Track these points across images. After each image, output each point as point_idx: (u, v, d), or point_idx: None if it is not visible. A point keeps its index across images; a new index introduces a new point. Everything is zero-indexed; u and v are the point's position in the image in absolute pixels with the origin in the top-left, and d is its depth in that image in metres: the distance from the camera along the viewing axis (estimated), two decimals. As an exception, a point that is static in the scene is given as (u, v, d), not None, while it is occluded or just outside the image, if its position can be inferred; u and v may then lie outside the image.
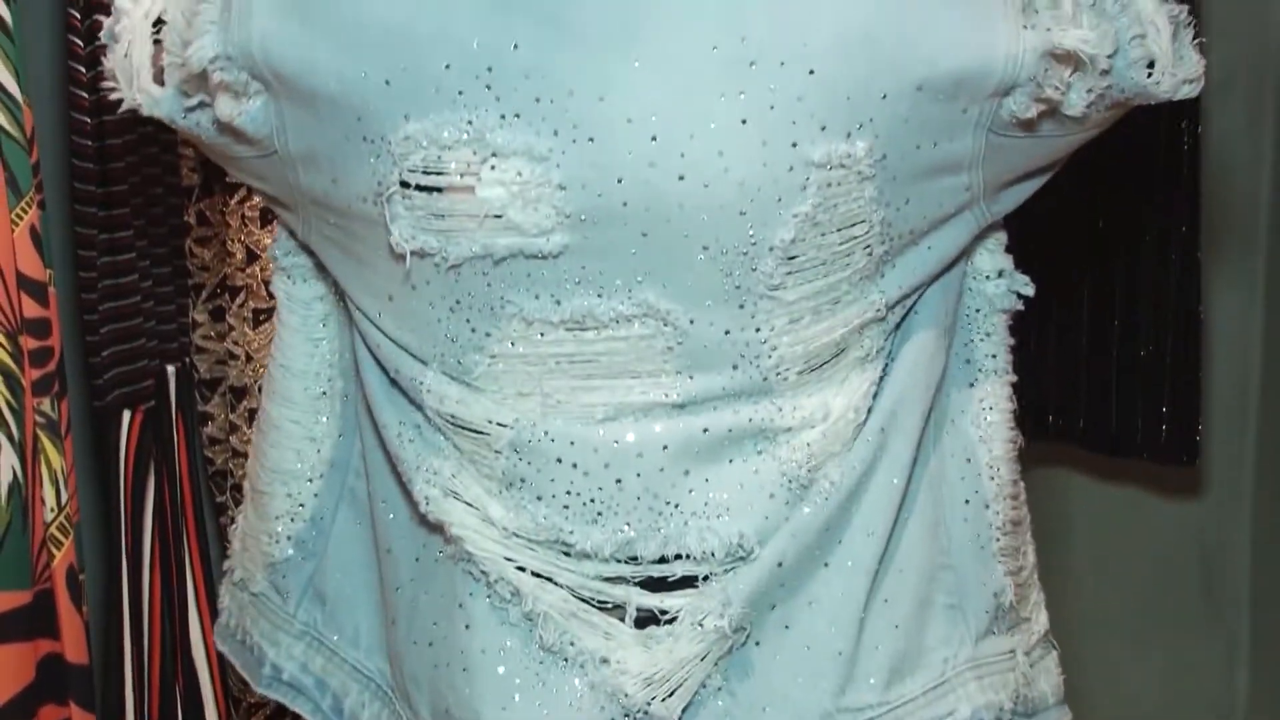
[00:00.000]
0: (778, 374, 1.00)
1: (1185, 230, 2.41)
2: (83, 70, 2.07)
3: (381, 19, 0.93)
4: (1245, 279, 2.64)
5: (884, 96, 0.94)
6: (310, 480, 1.16)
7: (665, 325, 0.97)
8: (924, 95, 0.95)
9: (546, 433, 0.99)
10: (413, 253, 0.96)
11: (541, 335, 0.98)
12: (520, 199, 0.93)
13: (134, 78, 1.04)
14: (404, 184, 0.95)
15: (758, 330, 0.98)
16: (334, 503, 1.16)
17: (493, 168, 0.93)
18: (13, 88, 1.74)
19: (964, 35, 0.95)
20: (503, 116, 0.92)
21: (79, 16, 2.06)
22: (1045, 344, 2.52)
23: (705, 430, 1.00)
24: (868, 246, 0.98)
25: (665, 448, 0.99)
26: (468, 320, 0.99)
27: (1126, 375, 2.51)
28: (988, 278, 1.14)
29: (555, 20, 0.92)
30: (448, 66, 0.92)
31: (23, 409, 1.69)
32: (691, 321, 0.97)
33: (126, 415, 2.12)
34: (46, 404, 1.74)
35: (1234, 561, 2.79)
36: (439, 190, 0.94)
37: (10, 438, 1.66)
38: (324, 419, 1.15)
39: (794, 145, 0.93)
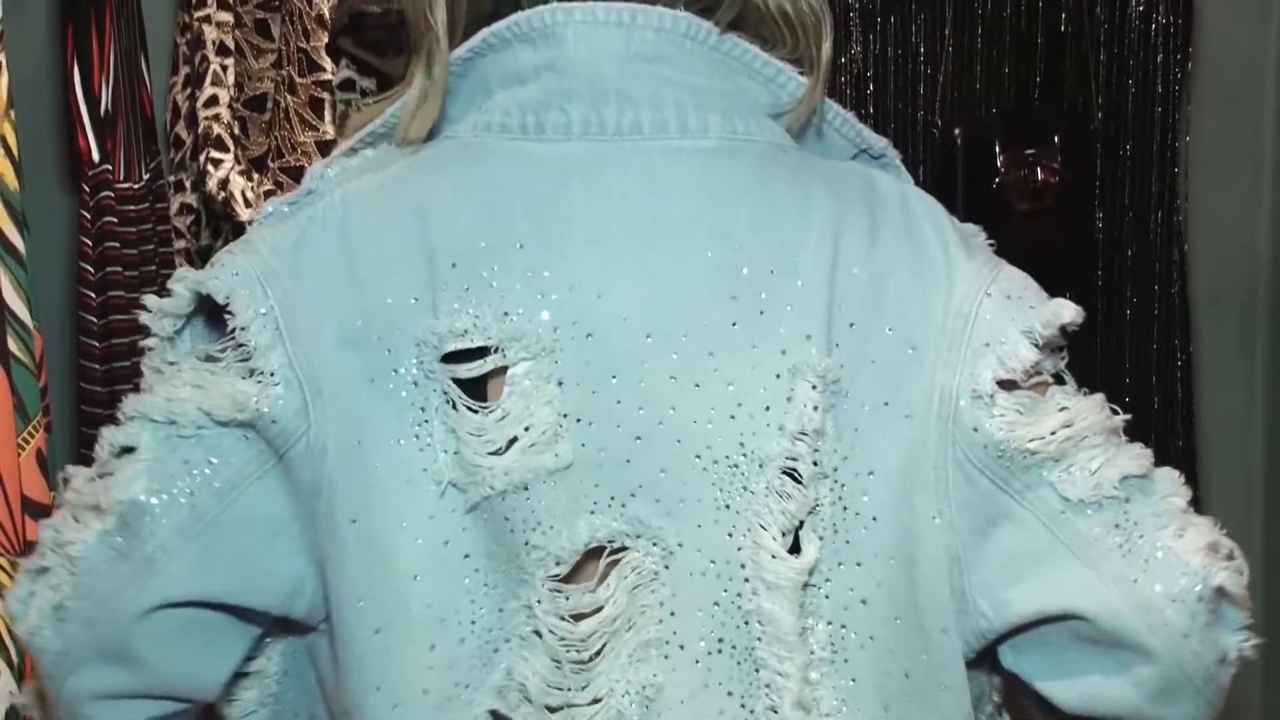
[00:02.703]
0: (759, 623, 0.96)
1: (1181, 445, 2.43)
2: (92, 296, 2.10)
3: (396, 229, 0.95)
4: (1241, 497, 2.65)
5: (852, 326, 0.95)
6: None
7: (655, 546, 0.95)
8: (892, 342, 0.95)
9: None
10: (450, 483, 0.94)
11: (565, 599, 0.95)
12: (527, 403, 0.93)
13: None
14: (446, 400, 0.93)
15: (743, 566, 0.95)
16: None
17: (502, 367, 0.93)
18: (23, 314, 1.77)
19: (920, 292, 0.97)
20: (506, 313, 0.93)
21: (90, 245, 2.11)
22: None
23: None
24: (819, 501, 0.96)
25: None
26: (502, 568, 0.96)
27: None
28: None
29: (556, 221, 0.94)
30: (454, 265, 0.93)
31: (22, 633, 1.68)
32: (680, 545, 0.95)
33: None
34: (46, 628, 1.73)
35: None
36: (460, 401, 0.93)
37: (9, 663, 1.65)
38: None
39: (783, 353, 0.94)
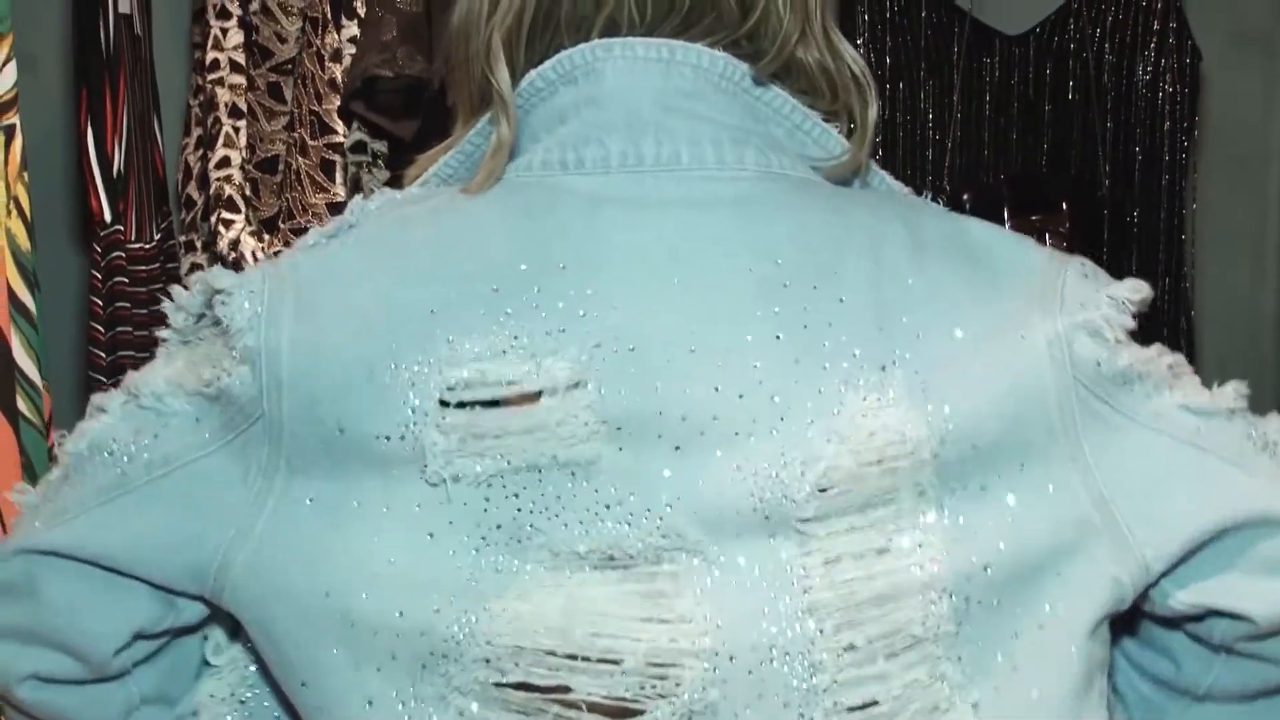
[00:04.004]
0: (814, 621, 0.94)
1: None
2: (102, 355, 2.11)
3: (430, 251, 0.97)
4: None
5: (920, 335, 0.95)
6: None
7: (695, 561, 0.94)
8: (966, 341, 0.95)
9: None
10: (449, 478, 0.94)
11: (569, 574, 0.94)
12: (560, 407, 0.93)
13: None
14: (443, 403, 0.93)
15: (789, 568, 0.94)
16: None
17: (537, 380, 0.93)
18: (33, 374, 1.78)
19: (983, 289, 0.97)
20: (548, 333, 0.93)
21: (101, 304, 2.12)
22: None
23: None
24: (917, 484, 0.95)
25: None
26: (493, 557, 0.95)
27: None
28: None
29: (597, 244, 0.95)
30: (496, 290, 0.94)
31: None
32: (722, 557, 0.94)
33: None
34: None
35: None
36: (481, 405, 0.94)
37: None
38: None
39: (826, 367, 0.94)
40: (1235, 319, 2.75)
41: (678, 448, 0.94)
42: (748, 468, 0.94)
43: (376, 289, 0.96)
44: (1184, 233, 2.67)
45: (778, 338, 0.94)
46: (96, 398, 1.02)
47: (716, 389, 0.94)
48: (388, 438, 0.94)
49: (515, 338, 0.93)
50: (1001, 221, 2.51)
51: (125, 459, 0.99)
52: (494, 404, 0.94)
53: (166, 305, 1.02)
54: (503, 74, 0.99)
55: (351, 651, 0.97)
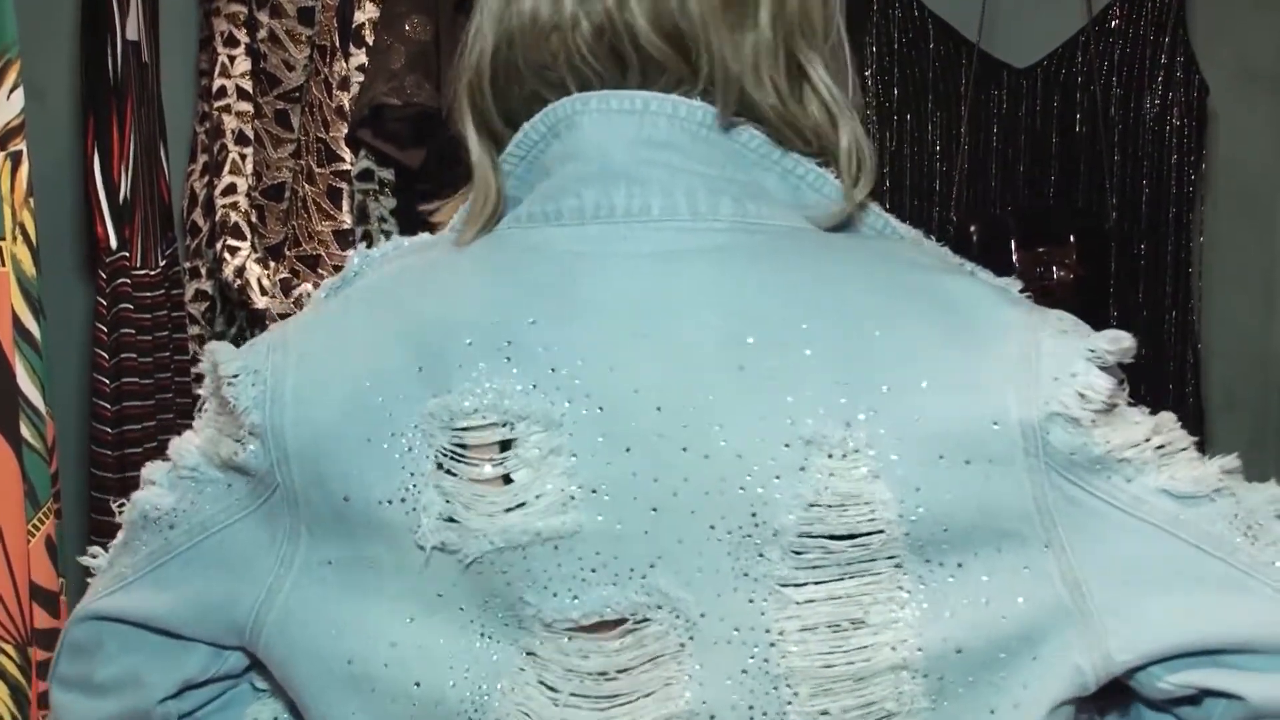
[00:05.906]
0: (788, 686, 0.95)
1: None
2: (106, 382, 2.11)
3: (419, 306, 0.99)
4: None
5: (886, 389, 0.94)
6: None
7: (678, 618, 0.95)
8: (933, 394, 0.94)
9: None
10: (434, 548, 0.96)
11: (566, 641, 0.97)
12: (537, 473, 0.95)
13: None
14: (438, 465, 0.96)
15: (767, 631, 0.95)
16: None
17: (512, 441, 0.95)
18: (37, 400, 1.78)
19: (955, 341, 0.95)
20: (520, 388, 0.95)
21: (106, 331, 2.11)
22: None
23: None
24: (893, 557, 0.94)
25: None
26: (495, 622, 0.98)
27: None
28: None
29: (567, 297, 0.96)
30: (470, 343, 0.96)
31: (26, 722, 1.67)
32: (702, 615, 0.95)
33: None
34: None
35: None
36: (463, 465, 0.96)
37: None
38: None
39: (791, 423, 0.93)
40: (1243, 352, 2.74)
41: (654, 509, 0.95)
42: (721, 527, 0.94)
43: (371, 352, 0.99)
44: (1191, 265, 2.67)
45: (740, 395, 0.93)
46: (147, 469, 1.08)
47: (684, 449, 0.94)
48: (389, 502, 0.97)
49: (484, 395, 0.95)
50: (1009, 253, 2.51)
51: (169, 526, 1.06)
52: (476, 480, 0.96)
53: (203, 363, 1.06)
54: (470, 131, 1.02)
55: (371, 714, 1.02)
